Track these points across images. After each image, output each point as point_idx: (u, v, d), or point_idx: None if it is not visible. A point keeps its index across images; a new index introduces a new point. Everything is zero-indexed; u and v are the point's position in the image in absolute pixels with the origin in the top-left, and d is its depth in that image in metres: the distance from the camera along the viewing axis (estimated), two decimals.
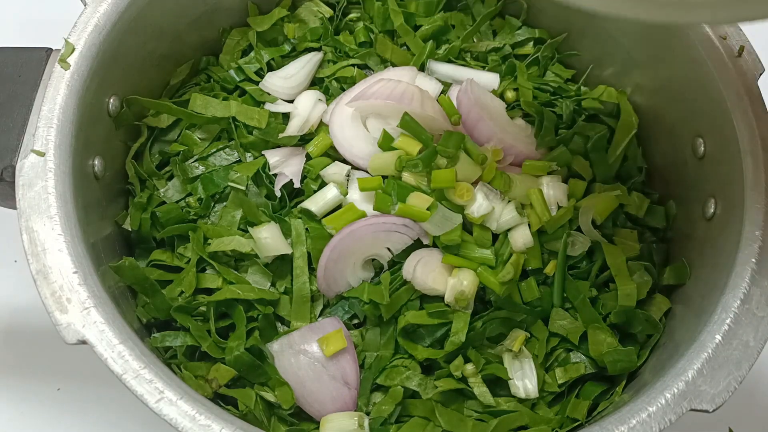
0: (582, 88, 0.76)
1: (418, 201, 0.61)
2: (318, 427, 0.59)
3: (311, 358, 0.60)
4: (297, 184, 0.66)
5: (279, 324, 0.64)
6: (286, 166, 0.67)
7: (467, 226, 0.63)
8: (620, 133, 0.72)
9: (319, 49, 0.76)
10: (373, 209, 0.62)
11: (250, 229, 0.64)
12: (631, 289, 0.62)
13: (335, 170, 0.66)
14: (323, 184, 0.66)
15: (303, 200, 0.66)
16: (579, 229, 0.65)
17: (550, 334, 0.63)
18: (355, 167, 0.67)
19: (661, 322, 0.63)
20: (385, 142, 0.64)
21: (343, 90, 0.72)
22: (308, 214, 0.64)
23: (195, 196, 0.68)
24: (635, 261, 0.65)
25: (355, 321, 0.64)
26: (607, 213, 0.66)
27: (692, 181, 0.66)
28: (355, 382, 0.61)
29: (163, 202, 0.68)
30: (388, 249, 0.62)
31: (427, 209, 0.60)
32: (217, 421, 0.49)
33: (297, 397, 0.60)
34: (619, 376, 0.62)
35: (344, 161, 0.67)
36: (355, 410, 0.61)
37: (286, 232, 0.64)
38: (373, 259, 0.63)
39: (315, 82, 0.75)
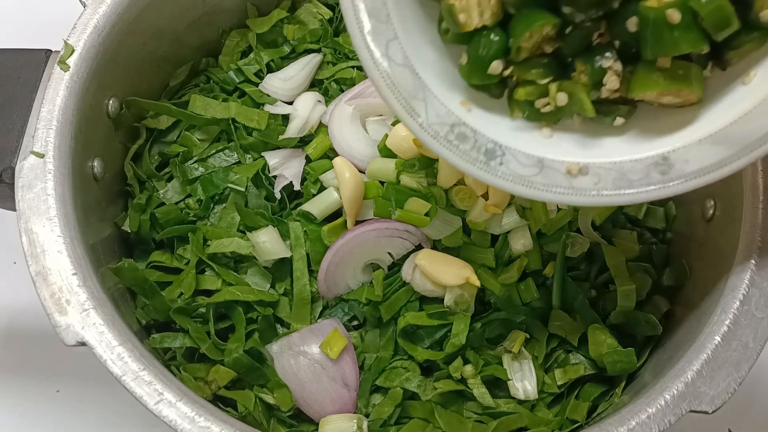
0: None
1: (417, 206, 0.61)
2: (317, 429, 0.59)
3: (311, 360, 0.60)
4: (297, 187, 0.66)
5: (278, 326, 0.64)
6: (286, 168, 0.67)
7: (466, 227, 0.63)
8: None
9: (318, 51, 0.76)
10: (374, 215, 0.62)
11: (248, 233, 0.64)
12: (631, 289, 0.62)
13: (335, 175, 0.66)
14: (323, 187, 0.66)
15: (302, 203, 0.66)
16: (578, 231, 0.65)
17: (549, 335, 0.63)
18: None
19: (660, 323, 0.63)
20: (385, 147, 0.64)
21: (343, 91, 0.72)
22: (307, 217, 0.64)
23: (194, 197, 0.68)
24: (635, 262, 0.65)
25: (355, 323, 0.64)
26: (606, 214, 0.66)
27: None
28: (354, 383, 0.61)
29: (163, 204, 0.68)
30: (389, 254, 0.62)
31: (427, 214, 0.61)
32: (216, 422, 0.49)
33: (296, 399, 0.60)
34: (618, 377, 0.62)
35: None
36: (355, 412, 0.61)
37: (285, 234, 0.64)
38: (373, 263, 0.63)
39: (314, 84, 0.75)
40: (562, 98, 0.46)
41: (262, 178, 0.66)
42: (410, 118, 0.47)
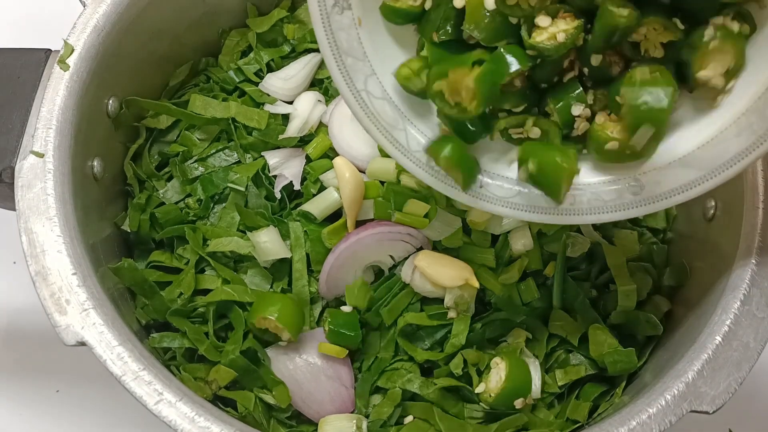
0: None
1: (416, 208, 0.61)
2: (316, 430, 0.59)
3: (306, 360, 0.60)
4: (297, 186, 0.66)
5: None
6: (286, 167, 0.67)
7: (466, 227, 0.63)
8: None
9: (318, 50, 0.75)
10: (374, 216, 0.62)
11: (248, 233, 0.64)
12: (631, 289, 0.62)
13: (335, 175, 0.66)
14: (323, 187, 0.66)
15: (302, 202, 0.66)
16: (579, 231, 0.65)
17: (549, 335, 0.63)
18: None
19: (661, 323, 0.63)
20: None
21: None
22: (307, 217, 0.64)
23: (194, 197, 0.68)
24: (635, 262, 0.65)
25: None
26: None
27: None
28: (349, 381, 0.61)
29: (162, 203, 0.68)
30: (391, 256, 0.62)
31: (426, 215, 0.60)
32: (216, 422, 0.49)
33: (295, 400, 0.60)
34: (619, 376, 0.62)
35: None
36: (354, 410, 0.61)
37: (285, 234, 0.64)
38: (374, 264, 0.63)
39: (315, 83, 0.74)
40: (535, 132, 0.48)
41: (262, 178, 0.66)
42: (393, 147, 0.49)
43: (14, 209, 0.56)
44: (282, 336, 0.59)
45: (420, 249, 0.62)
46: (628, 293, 0.62)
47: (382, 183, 0.64)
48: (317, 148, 0.68)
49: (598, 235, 0.65)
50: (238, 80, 0.73)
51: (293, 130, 0.69)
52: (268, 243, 0.63)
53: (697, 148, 0.46)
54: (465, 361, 0.61)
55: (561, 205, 0.49)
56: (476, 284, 0.59)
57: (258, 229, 0.63)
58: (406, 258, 0.62)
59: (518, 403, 0.58)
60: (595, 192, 0.48)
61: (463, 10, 0.45)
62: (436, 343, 0.62)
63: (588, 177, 0.49)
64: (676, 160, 0.47)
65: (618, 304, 0.62)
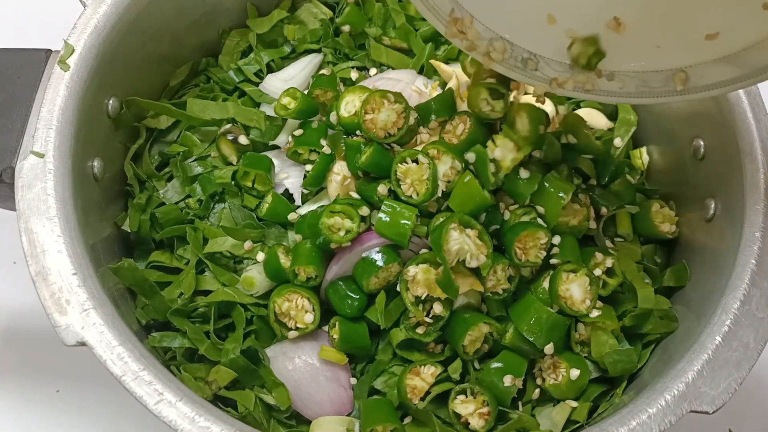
0: None
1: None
2: None
3: (305, 361, 0.60)
4: (298, 201, 0.66)
5: None
6: (288, 176, 0.67)
7: None
8: (619, 131, 0.72)
9: (318, 51, 0.76)
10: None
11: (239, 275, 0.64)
12: (649, 292, 0.61)
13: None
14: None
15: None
16: (592, 240, 0.65)
17: None
18: None
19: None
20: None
21: None
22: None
23: (194, 197, 0.68)
24: (636, 263, 0.65)
25: None
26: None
27: (692, 182, 0.66)
28: (348, 383, 0.61)
29: (163, 204, 0.68)
30: None
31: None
32: (216, 423, 0.49)
33: (294, 401, 0.60)
34: (619, 377, 0.62)
35: None
36: (353, 411, 0.61)
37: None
38: None
39: None
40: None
41: (242, 187, 0.67)
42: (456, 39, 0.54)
43: (14, 209, 0.56)
44: (301, 321, 0.59)
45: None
46: (646, 295, 0.61)
47: (370, 204, 0.63)
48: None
49: (609, 243, 0.65)
50: (237, 80, 0.74)
51: (290, 127, 0.69)
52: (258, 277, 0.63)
53: (742, 49, 0.49)
54: (464, 365, 0.61)
55: (611, 89, 0.54)
56: (481, 288, 0.59)
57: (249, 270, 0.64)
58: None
59: (507, 380, 0.58)
60: (643, 79, 0.52)
61: None
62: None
63: (638, 66, 0.53)
64: (721, 57, 0.50)
65: (638, 306, 0.61)
